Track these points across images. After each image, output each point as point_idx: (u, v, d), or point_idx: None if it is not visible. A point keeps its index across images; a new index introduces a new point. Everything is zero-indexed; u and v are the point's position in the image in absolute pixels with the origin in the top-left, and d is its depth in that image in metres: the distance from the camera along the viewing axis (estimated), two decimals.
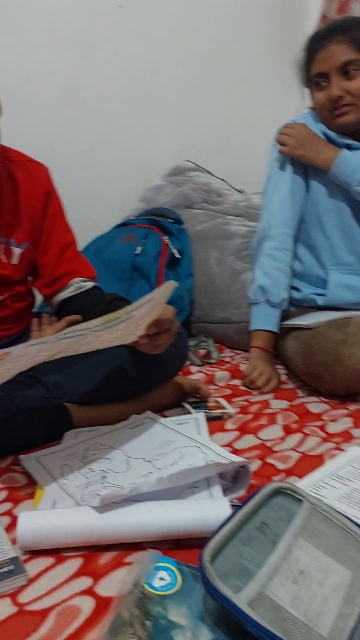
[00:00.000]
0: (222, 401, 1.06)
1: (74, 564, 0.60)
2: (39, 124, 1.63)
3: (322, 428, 0.95)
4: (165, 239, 1.54)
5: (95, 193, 1.81)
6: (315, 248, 1.28)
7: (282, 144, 1.25)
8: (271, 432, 0.93)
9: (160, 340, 0.88)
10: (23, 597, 0.56)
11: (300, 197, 1.27)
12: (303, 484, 0.73)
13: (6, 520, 0.70)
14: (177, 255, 1.53)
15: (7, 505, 0.74)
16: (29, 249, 1.10)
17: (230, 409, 1.02)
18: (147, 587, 0.53)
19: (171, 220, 1.61)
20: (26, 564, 0.60)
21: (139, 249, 1.54)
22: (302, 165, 1.26)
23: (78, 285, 1.13)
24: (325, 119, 1.23)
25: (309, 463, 0.82)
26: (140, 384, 1.02)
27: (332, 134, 1.23)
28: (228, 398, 1.09)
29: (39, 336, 1.10)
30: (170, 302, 1.47)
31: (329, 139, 1.23)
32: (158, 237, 1.55)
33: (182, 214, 1.67)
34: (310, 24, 1.98)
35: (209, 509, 0.61)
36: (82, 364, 1.00)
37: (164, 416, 0.99)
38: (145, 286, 1.49)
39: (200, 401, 1.05)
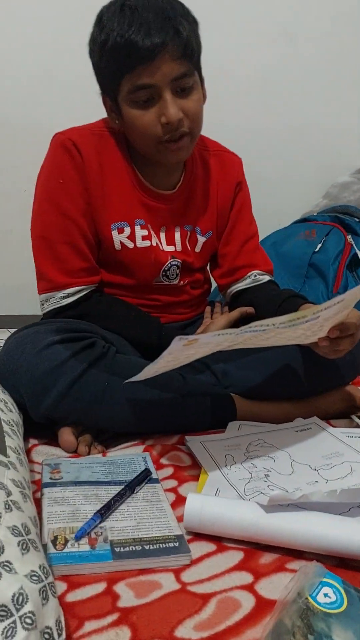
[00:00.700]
0: None
1: (235, 556, 0.61)
2: (234, 112, 1.65)
3: None
4: (349, 238, 1.47)
5: (278, 186, 1.80)
6: None
7: None
8: None
9: (342, 345, 0.84)
10: (186, 577, 0.58)
11: None
12: None
13: (172, 497, 0.73)
14: None
15: (173, 483, 0.77)
16: (212, 238, 1.13)
17: None
18: (311, 600, 0.51)
19: (357, 220, 1.54)
20: (189, 544, 0.62)
21: (318, 246, 1.50)
22: None
23: (255, 278, 1.14)
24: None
25: None
26: (308, 386, 0.99)
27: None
28: None
29: (210, 324, 1.12)
30: None
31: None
32: (341, 236, 1.48)
33: None
34: None
35: None
36: (252, 357, 1.00)
37: (331, 425, 0.96)
38: (321, 285, 1.45)
39: None
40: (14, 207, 1.57)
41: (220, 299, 1.27)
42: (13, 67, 1.52)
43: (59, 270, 0.99)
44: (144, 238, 1.04)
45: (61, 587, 0.55)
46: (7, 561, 0.45)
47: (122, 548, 0.60)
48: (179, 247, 1.08)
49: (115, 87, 0.91)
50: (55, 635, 0.43)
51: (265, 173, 1.74)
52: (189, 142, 0.96)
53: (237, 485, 0.73)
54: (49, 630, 0.42)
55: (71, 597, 0.54)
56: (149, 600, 0.54)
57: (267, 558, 0.61)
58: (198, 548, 0.62)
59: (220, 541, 0.63)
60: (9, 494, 0.54)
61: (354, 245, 1.46)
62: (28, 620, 0.41)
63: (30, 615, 0.41)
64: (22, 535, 0.49)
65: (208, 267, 1.21)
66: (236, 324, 1.13)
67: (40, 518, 0.65)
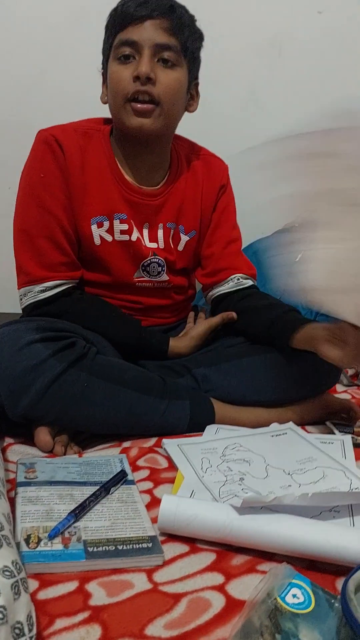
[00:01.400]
0: None
1: (207, 557, 0.62)
2: (222, 123, 1.67)
3: None
4: None
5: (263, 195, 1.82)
6: None
7: None
8: None
9: None
10: (158, 577, 0.58)
11: None
12: None
13: (147, 498, 0.74)
14: None
15: (149, 484, 0.78)
16: (195, 238, 1.14)
17: None
18: (280, 601, 0.52)
19: None
20: (162, 545, 0.62)
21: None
22: None
23: (238, 281, 1.15)
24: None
25: None
26: (287, 393, 1.01)
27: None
28: None
29: (191, 329, 1.13)
30: (323, 313, 1.43)
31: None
32: None
33: None
34: None
35: (355, 539, 0.58)
36: (232, 363, 1.01)
37: (306, 431, 0.97)
38: None
39: (345, 424, 1.01)
40: None
41: (203, 305, 1.28)
42: (1, 65, 1.53)
43: (37, 264, 1.00)
44: (122, 232, 1.05)
45: (33, 585, 0.55)
46: None
47: (95, 548, 0.60)
48: (161, 245, 1.09)
49: (109, 47, 0.98)
50: (26, 630, 0.43)
51: (253, 184, 1.76)
52: (157, 115, 0.97)
53: (212, 488, 0.74)
54: (19, 626, 0.43)
55: (43, 595, 0.54)
56: (120, 599, 0.54)
57: (238, 560, 0.62)
58: (171, 549, 0.63)
59: (194, 543, 0.64)
60: None
61: None
62: None
63: (2, 609, 0.42)
64: None
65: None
66: (222, 329, 1.14)
67: (14, 517, 0.65)
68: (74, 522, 0.65)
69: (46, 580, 0.56)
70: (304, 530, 0.60)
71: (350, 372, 1.34)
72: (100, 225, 1.04)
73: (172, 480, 0.78)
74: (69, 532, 0.63)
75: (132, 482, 0.76)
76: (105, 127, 1.07)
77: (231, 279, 1.14)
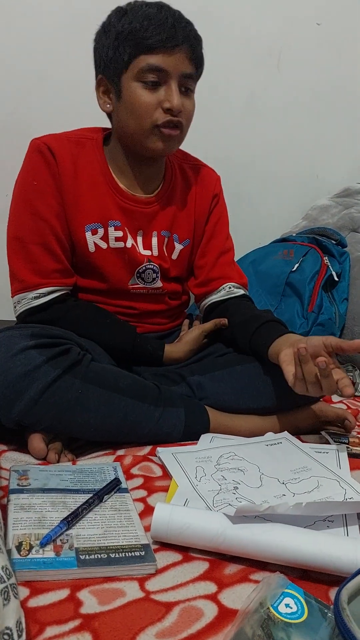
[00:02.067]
0: None
1: (200, 566, 0.61)
2: (221, 131, 1.68)
3: None
4: (326, 259, 1.51)
5: (259, 205, 1.83)
6: None
7: None
8: None
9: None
10: (150, 585, 0.58)
11: None
12: None
13: (140, 506, 0.73)
14: (336, 278, 1.48)
15: (142, 493, 0.77)
16: (189, 247, 1.15)
17: None
18: (272, 610, 0.52)
19: (334, 242, 1.57)
20: (155, 554, 0.62)
21: (295, 266, 1.53)
22: None
23: (229, 290, 1.16)
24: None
25: None
26: (281, 401, 1.00)
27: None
28: None
29: (185, 334, 1.13)
30: (319, 324, 1.44)
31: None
32: (318, 257, 1.52)
33: (346, 236, 1.62)
34: None
35: (350, 549, 0.58)
36: (227, 370, 1.01)
37: (301, 440, 0.97)
38: (297, 304, 1.47)
39: (340, 434, 1.01)
40: None
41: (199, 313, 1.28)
42: None
43: (31, 271, 1.00)
44: (117, 239, 1.06)
45: (24, 592, 0.55)
46: None
47: (87, 555, 0.60)
48: (155, 252, 1.10)
49: (126, 64, 0.96)
50: (15, 636, 0.43)
51: (248, 192, 1.77)
52: (179, 139, 1.02)
53: (206, 496, 0.74)
54: (8, 631, 0.42)
55: (33, 602, 0.54)
56: (112, 607, 0.54)
57: (231, 569, 0.61)
58: (164, 558, 0.62)
59: (187, 551, 0.64)
60: None
61: (329, 266, 1.49)
62: None
63: None
64: None
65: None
66: (214, 335, 1.15)
67: (6, 524, 0.64)
68: (66, 530, 0.64)
69: (37, 588, 0.56)
70: (298, 540, 0.60)
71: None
72: (94, 232, 1.04)
73: (166, 489, 0.78)
74: (61, 540, 0.62)
75: (125, 490, 0.76)
76: (98, 135, 1.08)
77: (222, 288, 1.16)
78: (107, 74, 1.00)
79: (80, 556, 0.60)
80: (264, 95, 1.74)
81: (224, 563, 0.62)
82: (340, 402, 1.23)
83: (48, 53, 1.51)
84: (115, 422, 0.88)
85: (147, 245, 1.10)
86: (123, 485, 0.77)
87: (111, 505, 0.71)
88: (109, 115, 1.05)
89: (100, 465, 0.84)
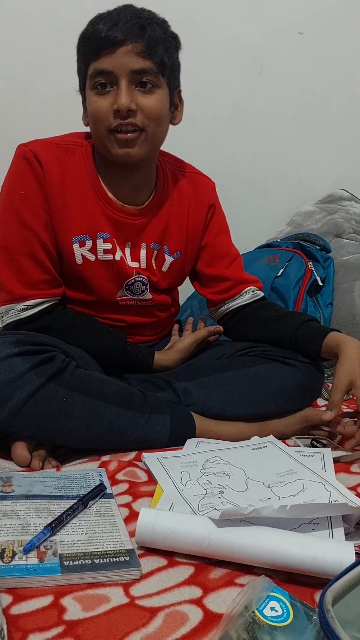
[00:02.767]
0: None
1: (185, 570, 0.61)
2: (206, 139, 1.69)
3: None
4: (310, 264, 1.52)
5: (244, 211, 1.83)
6: None
7: None
8: None
9: None
10: (135, 591, 0.57)
11: None
12: None
13: (125, 512, 0.73)
14: (320, 283, 1.49)
15: (127, 498, 0.77)
16: (181, 259, 1.13)
17: (349, 454, 0.95)
18: (257, 614, 0.52)
19: (318, 247, 1.58)
20: (140, 559, 0.62)
21: (280, 271, 1.53)
22: None
23: (254, 293, 1.15)
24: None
25: None
26: (267, 407, 1.01)
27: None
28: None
29: (177, 341, 1.13)
30: None
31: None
32: (302, 262, 1.52)
33: (330, 242, 1.63)
34: None
35: (334, 551, 0.58)
36: (213, 377, 1.01)
37: (286, 444, 0.97)
38: None
39: (326, 439, 1.01)
40: None
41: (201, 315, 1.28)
42: None
43: (19, 282, 0.98)
44: (106, 252, 1.03)
45: (6, 599, 0.54)
46: None
47: (71, 562, 0.59)
48: (143, 265, 1.08)
49: (84, 76, 0.96)
50: None
51: (234, 199, 1.78)
52: (141, 141, 0.96)
53: (191, 501, 0.74)
54: None
55: (16, 609, 0.53)
56: (96, 613, 0.53)
57: (217, 573, 0.61)
58: (149, 563, 0.62)
59: (172, 556, 0.63)
60: None
61: (314, 271, 1.50)
62: None
63: None
64: None
65: (194, 287, 1.20)
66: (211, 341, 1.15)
67: None
68: (50, 536, 0.63)
69: (20, 595, 0.55)
70: (283, 543, 0.60)
71: (332, 386, 1.34)
72: (82, 244, 1.02)
73: (151, 494, 0.77)
74: (44, 546, 0.62)
75: (110, 496, 0.75)
76: (88, 142, 1.04)
77: (246, 292, 1.14)
78: (80, 88, 1.00)
79: (64, 562, 0.59)
80: (248, 104, 1.76)
81: (209, 567, 0.62)
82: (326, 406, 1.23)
83: (34, 60, 1.51)
84: (101, 429, 0.88)
85: (135, 257, 1.07)
86: (108, 491, 0.76)
87: (96, 511, 0.71)
88: None
89: (84, 471, 0.83)
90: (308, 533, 0.65)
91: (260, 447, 0.93)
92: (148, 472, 0.84)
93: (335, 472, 0.85)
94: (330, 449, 0.93)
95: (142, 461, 0.88)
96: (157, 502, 0.74)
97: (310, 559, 0.58)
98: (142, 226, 1.06)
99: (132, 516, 0.71)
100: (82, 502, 0.71)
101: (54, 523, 0.65)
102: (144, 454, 0.88)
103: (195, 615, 0.54)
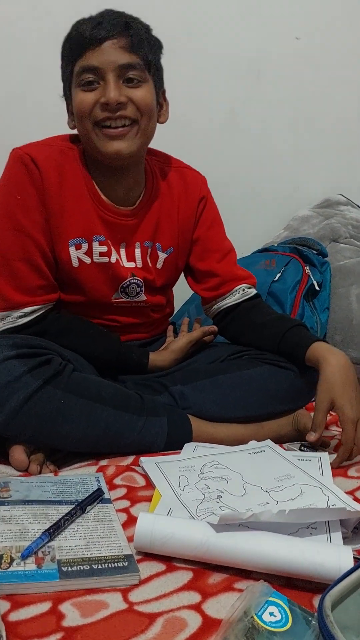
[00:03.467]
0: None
1: (184, 576, 0.61)
2: (200, 143, 1.70)
3: None
4: (307, 269, 1.52)
5: (240, 216, 1.84)
6: None
7: None
8: None
9: None
10: (134, 596, 0.57)
11: None
12: None
13: (123, 517, 0.73)
14: (317, 287, 1.50)
15: (125, 503, 0.77)
16: (174, 254, 1.13)
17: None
18: (257, 619, 0.52)
19: (315, 252, 1.59)
20: (139, 564, 0.61)
21: (277, 276, 1.54)
22: None
23: (243, 292, 1.13)
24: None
25: None
26: (262, 410, 1.01)
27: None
28: None
29: (172, 342, 1.13)
30: None
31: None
32: (299, 267, 1.53)
33: (326, 246, 1.64)
34: None
35: (332, 556, 0.58)
36: (209, 380, 1.02)
37: (283, 448, 0.97)
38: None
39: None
40: None
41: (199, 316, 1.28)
42: None
43: (15, 289, 0.98)
44: (102, 254, 1.03)
45: (5, 606, 0.54)
46: None
47: (69, 567, 0.59)
48: (139, 264, 1.08)
49: (69, 76, 0.95)
50: None
51: (230, 204, 1.78)
52: (133, 135, 0.95)
53: (189, 505, 0.73)
54: None
55: (14, 616, 0.53)
56: (94, 619, 0.53)
57: (215, 578, 0.61)
58: (147, 568, 0.62)
59: (170, 561, 0.63)
60: None
61: (311, 276, 1.51)
62: None
63: None
64: None
65: (188, 283, 1.20)
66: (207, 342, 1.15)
67: None
68: (48, 542, 0.63)
69: (18, 602, 0.55)
70: (281, 547, 0.60)
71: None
72: (78, 247, 1.01)
73: (149, 499, 0.77)
74: (42, 552, 0.61)
75: (108, 501, 0.75)
76: (76, 145, 1.03)
77: (236, 290, 1.13)
78: (65, 93, 1.00)
79: (62, 568, 0.59)
80: (245, 108, 1.77)
81: (207, 572, 0.62)
82: None
83: (28, 66, 1.51)
84: (98, 432, 0.88)
85: (131, 257, 1.08)
86: (106, 496, 0.76)
87: (94, 516, 0.71)
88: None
89: (82, 476, 0.83)
90: (306, 537, 0.65)
91: (258, 452, 0.93)
92: (146, 476, 0.84)
93: (333, 476, 0.85)
94: (327, 453, 0.93)
95: (140, 466, 0.87)
96: (155, 507, 0.74)
97: (308, 563, 0.58)
98: (135, 226, 1.06)
99: (130, 521, 0.71)
100: (80, 508, 0.70)
101: (52, 528, 0.64)
102: (142, 459, 0.88)
103: (194, 621, 0.54)
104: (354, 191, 1.87)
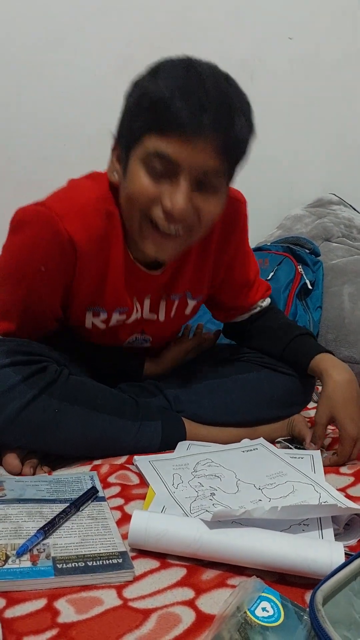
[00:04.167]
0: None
1: (178, 572, 0.62)
2: None
3: None
4: (300, 268, 1.53)
5: None
6: None
7: None
8: None
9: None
10: (128, 593, 0.58)
11: None
12: None
13: (117, 514, 0.73)
14: (309, 286, 1.51)
15: (120, 501, 0.77)
16: (203, 299, 1.06)
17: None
18: (249, 614, 0.53)
19: (307, 251, 1.60)
20: (133, 561, 0.62)
21: (270, 275, 1.55)
22: None
23: (260, 308, 1.10)
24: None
25: None
26: (257, 415, 1.02)
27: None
28: None
29: (174, 345, 1.12)
30: None
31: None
32: (292, 266, 1.54)
33: (319, 246, 1.65)
34: None
35: (324, 552, 0.59)
36: (204, 384, 1.02)
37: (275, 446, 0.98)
38: None
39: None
40: None
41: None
42: None
43: (14, 330, 0.92)
44: (119, 321, 0.96)
45: (0, 603, 0.54)
46: None
47: (64, 564, 0.60)
48: (161, 317, 1.00)
49: (136, 138, 0.77)
50: None
51: None
52: (183, 241, 0.83)
53: (183, 503, 0.74)
54: None
55: (10, 613, 0.53)
56: (89, 616, 0.54)
57: (209, 574, 0.61)
58: (142, 565, 0.62)
59: (165, 558, 0.64)
60: None
61: (303, 274, 1.52)
62: None
63: None
64: None
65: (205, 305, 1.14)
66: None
67: None
68: (43, 539, 0.64)
69: (14, 599, 0.55)
70: (273, 544, 0.60)
71: (320, 388, 1.36)
72: (96, 315, 0.93)
73: (143, 497, 0.78)
74: (37, 549, 0.62)
75: (102, 499, 0.76)
76: (117, 207, 0.86)
77: (254, 307, 1.09)
78: (121, 142, 0.82)
79: (57, 565, 0.59)
80: None
81: (201, 569, 0.62)
82: (314, 408, 1.24)
83: (26, 69, 1.51)
84: (93, 439, 0.88)
85: (154, 309, 0.99)
86: (100, 494, 0.77)
87: (88, 514, 0.71)
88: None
89: (76, 475, 0.83)
90: (298, 534, 0.66)
91: (251, 450, 0.94)
92: (140, 475, 0.85)
93: (325, 473, 0.86)
94: (319, 451, 0.94)
95: (133, 464, 0.88)
96: (149, 504, 0.74)
97: (301, 559, 0.59)
98: (165, 283, 0.96)
99: (125, 519, 0.72)
100: (75, 506, 0.71)
101: (46, 526, 0.65)
102: (136, 457, 0.89)
103: (188, 617, 0.54)
104: (346, 191, 1.88)
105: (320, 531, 0.67)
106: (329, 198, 1.84)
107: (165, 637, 0.52)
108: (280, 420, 1.04)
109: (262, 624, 0.52)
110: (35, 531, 0.64)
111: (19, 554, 0.60)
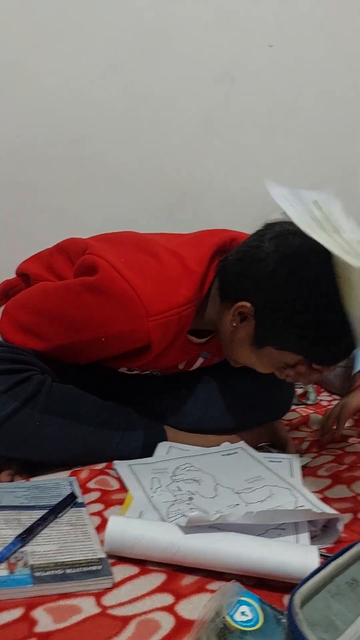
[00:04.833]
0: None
1: (157, 578, 0.61)
2: (179, 150, 1.71)
3: None
4: None
5: (217, 221, 1.83)
6: None
7: None
8: None
9: None
10: (107, 600, 0.57)
11: None
12: None
13: (97, 520, 0.73)
14: None
15: (99, 506, 0.77)
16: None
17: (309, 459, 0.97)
18: (228, 619, 0.53)
19: None
20: (113, 568, 0.62)
21: None
22: None
23: None
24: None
25: None
26: (239, 421, 1.03)
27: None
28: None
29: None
30: None
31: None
32: None
33: None
34: None
35: (300, 555, 0.59)
36: (186, 390, 1.03)
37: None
38: None
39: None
40: None
41: None
42: None
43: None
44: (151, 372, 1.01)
45: None
46: None
47: (42, 572, 0.59)
48: (181, 366, 1.02)
49: (286, 347, 0.82)
50: None
51: (207, 209, 1.80)
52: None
53: (160, 508, 0.74)
54: None
55: None
56: (67, 624, 0.53)
57: (188, 579, 0.62)
58: (121, 571, 0.62)
59: (144, 564, 0.64)
60: None
61: None
62: None
63: None
64: None
65: None
66: None
67: None
68: (21, 547, 0.63)
69: None
70: (249, 548, 0.61)
71: (299, 391, 1.37)
72: (130, 370, 0.97)
73: (123, 502, 0.78)
74: (15, 557, 0.61)
75: (82, 505, 0.75)
76: (194, 303, 0.86)
77: None
78: (263, 318, 0.82)
79: (35, 573, 0.59)
80: (220, 114, 1.78)
81: (180, 574, 0.62)
82: (294, 410, 1.26)
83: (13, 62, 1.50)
84: (75, 450, 0.88)
85: (189, 365, 1.02)
86: (79, 500, 0.76)
87: (67, 520, 0.71)
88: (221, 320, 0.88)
89: (55, 481, 0.83)
90: (274, 538, 0.67)
91: (231, 453, 0.94)
92: (120, 480, 0.84)
93: (303, 476, 0.87)
94: (298, 455, 0.95)
95: (113, 469, 0.88)
96: (127, 509, 0.74)
97: (277, 563, 0.59)
98: (203, 345, 0.97)
99: (104, 524, 0.71)
100: (53, 512, 0.70)
101: (24, 534, 0.64)
102: (115, 462, 0.89)
103: (167, 623, 0.54)
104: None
105: (296, 535, 0.67)
106: None
107: None
108: (260, 427, 1.04)
109: (241, 628, 0.52)
110: (13, 539, 0.63)
111: None
